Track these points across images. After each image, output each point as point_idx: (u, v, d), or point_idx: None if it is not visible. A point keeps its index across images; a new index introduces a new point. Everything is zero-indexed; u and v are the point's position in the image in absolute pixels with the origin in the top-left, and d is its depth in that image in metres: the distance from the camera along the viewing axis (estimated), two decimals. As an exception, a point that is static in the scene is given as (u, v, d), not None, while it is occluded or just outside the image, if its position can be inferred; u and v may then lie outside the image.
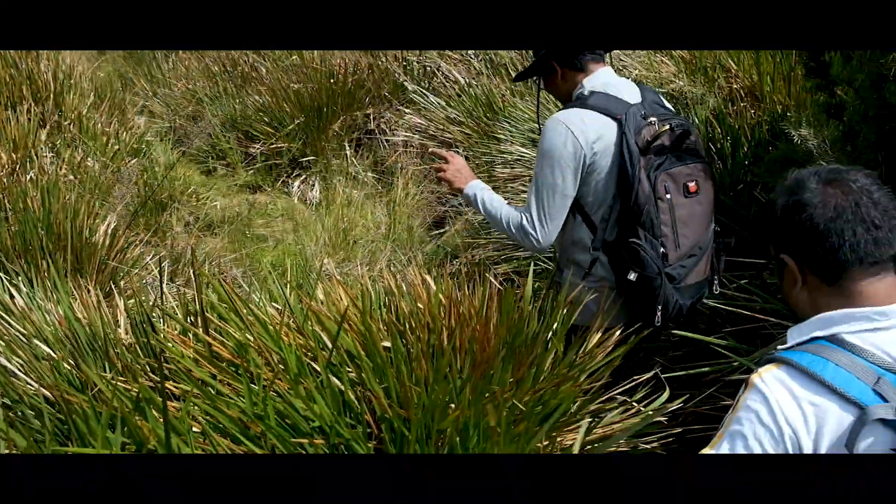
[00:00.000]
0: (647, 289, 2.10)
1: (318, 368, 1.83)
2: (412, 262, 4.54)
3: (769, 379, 1.24)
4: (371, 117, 5.95)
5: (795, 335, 1.31)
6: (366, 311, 1.98)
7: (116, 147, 5.29)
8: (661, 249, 2.07)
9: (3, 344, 2.16)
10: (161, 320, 2.27)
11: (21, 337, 2.25)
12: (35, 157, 4.47)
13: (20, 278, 3.06)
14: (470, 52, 5.99)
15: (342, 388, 1.74)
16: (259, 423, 1.49)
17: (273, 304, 2.35)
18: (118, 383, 1.83)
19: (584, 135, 2.07)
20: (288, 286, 2.43)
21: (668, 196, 2.06)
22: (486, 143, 5.16)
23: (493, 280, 2.33)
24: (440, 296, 2.13)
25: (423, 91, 5.76)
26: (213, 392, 1.64)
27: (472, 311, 2.11)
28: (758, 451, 1.22)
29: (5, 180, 4.05)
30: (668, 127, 2.07)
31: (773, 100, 4.04)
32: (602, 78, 2.19)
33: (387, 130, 5.83)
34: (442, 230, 4.93)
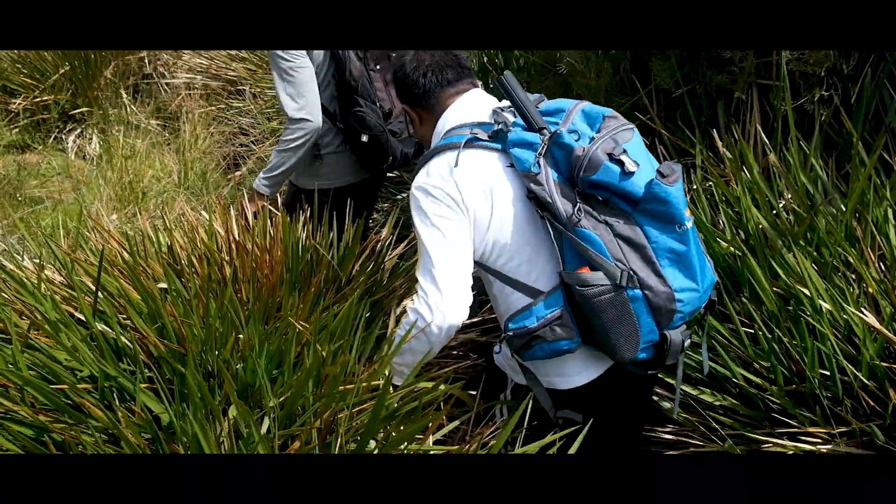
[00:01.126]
0: (377, 146, 2.50)
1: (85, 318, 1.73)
2: (209, 207, 4.34)
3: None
4: (146, 60, 5.55)
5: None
6: (134, 253, 1.90)
7: None
8: (382, 111, 2.44)
9: None
10: None
11: None
12: None
13: None
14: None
15: (114, 334, 1.66)
16: (13, 378, 1.40)
17: (37, 260, 2.18)
18: None
19: None
20: (54, 242, 2.26)
21: (378, 66, 2.43)
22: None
23: (273, 210, 2.30)
24: (216, 228, 2.07)
25: (201, 28, 5.42)
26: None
27: (254, 242, 2.08)
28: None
29: None
30: None
31: None
32: None
33: (165, 73, 5.46)
34: (239, 171, 4.76)
